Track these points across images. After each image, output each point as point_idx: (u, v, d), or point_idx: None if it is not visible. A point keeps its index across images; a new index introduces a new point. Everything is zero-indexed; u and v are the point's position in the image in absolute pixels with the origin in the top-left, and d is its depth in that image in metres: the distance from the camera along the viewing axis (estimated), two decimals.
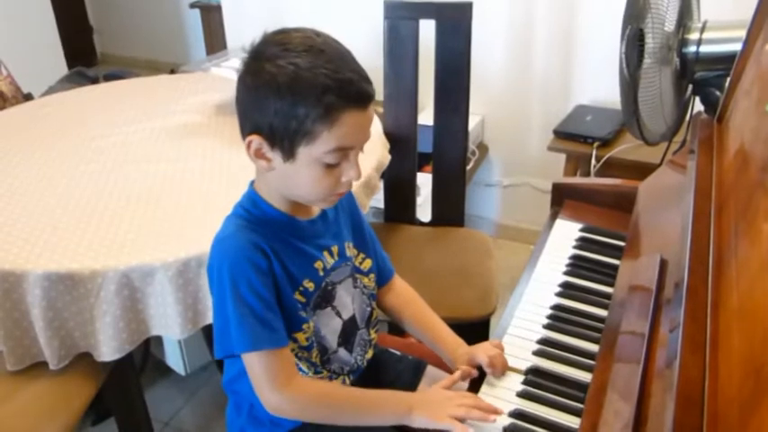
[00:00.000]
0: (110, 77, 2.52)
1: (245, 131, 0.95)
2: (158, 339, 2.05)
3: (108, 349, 1.37)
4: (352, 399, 1.03)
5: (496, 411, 0.96)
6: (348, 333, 1.10)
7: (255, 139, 0.93)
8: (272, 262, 0.97)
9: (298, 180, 0.95)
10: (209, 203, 1.53)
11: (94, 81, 2.58)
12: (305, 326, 1.02)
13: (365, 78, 0.92)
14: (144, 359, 2.10)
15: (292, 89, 0.88)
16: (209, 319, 1.40)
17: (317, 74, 0.88)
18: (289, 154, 0.93)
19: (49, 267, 1.31)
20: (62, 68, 3.34)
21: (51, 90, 2.46)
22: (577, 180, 1.66)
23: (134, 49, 4.69)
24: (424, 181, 2.11)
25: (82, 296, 1.33)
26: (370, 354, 1.17)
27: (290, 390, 0.98)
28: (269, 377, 0.97)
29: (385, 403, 1.02)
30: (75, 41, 4.20)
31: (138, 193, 1.58)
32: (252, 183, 1.03)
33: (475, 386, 1.06)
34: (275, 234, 0.99)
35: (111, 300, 1.33)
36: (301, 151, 0.92)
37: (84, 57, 4.33)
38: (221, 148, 1.78)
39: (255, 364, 0.98)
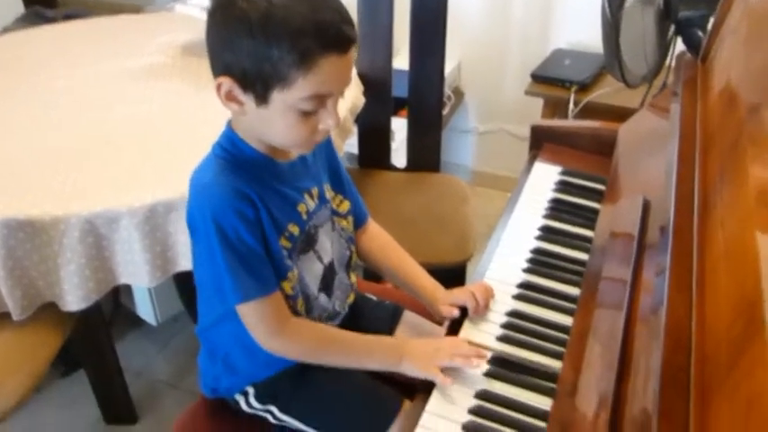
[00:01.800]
0: (69, 17, 2.40)
1: (216, 72, 0.89)
2: (129, 289, 2.01)
3: (73, 298, 1.33)
4: (346, 342, 1.03)
5: (480, 355, 0.95)
6: (328, 278, 1.07)
7: (226, 82, 0.87)
8: (259, 210, 0.93)
9: (272, 126, 0.90)
10: (177, 147, 1.47)
11: (52, 21, 2.45)
12: (290, 274, 0.99)
13: (346, 20, 0.85)
14: (114, 310, 2.06)
15: (265, 29, 0.82)
16: (179, 266, 1.36)
17: (292, 13, 0.81)
18: (262, 99, 0.87)
19: (7, 214, 1.25)
20: (18, 9, 3.17)
21: (5, 31, 2.34)
22: (556, 122, 1.63)
23: None
24: (399, 126, 2.07)
25: (44, 244, 1.28)
26: (351, 298, 1.14)
27: (286, 332, 0.97)
28: (264, 324, 0.96)
29: (377, 349, 1.01)
30: None
31: (102, 136, 1.51)
32: (229, 122, 0.97)
33: (454, 331, 1.04)
34: (257, 177, 0.95)
35: (75, 247, 1.28)
36: (275, 97, 0.86)
37: None
38: (188, 90, 1.71)
39: (250, 313, 0.96)
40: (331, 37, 0.83)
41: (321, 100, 0.88)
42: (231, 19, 0.84)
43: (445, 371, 0.94)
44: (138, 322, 2.08)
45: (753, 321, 0.62)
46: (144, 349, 2.02)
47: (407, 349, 0.99)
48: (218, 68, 0.88)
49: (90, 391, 1.73)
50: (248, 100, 0.88)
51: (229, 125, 0.97)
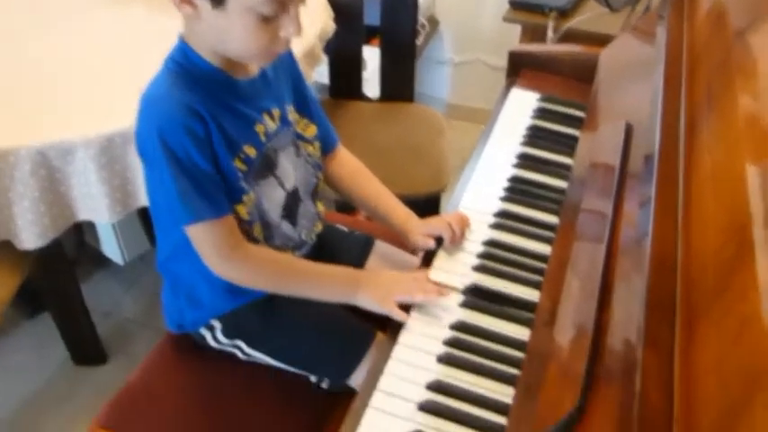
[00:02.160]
0: None
1: None
2: (93, 228, 1.94)
3: (29, 236, 1.27)
4: (301, 269, 0.99)
5: (441, 293, 0.92)
6: (292, 205, 1.03)
7: None
8: (209, 126, 0.87)
9: (229, 32, 0.83)
10: (133, 73, 1.36)
11: None
12: (245, 197, 0.94)
13: None
14: (78, 249, 2.00)
15: None
16: (140, 201, 1.30)
17: None
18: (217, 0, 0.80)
19: None
20: None
21: None
22: (535, 47, 1.57)
23: None
24: (372, 55, 2.02)
25: None
26: (318, 227, 1.10)
27: (238, 257, 0.93)
28: (215, 248, 0.92)
29: (334, 278, 0.98)
30: None
31: (54, 64, 1.43)
32: (182, 34, 0.90)
33: (428, 262, 1.00)
34: (211, 93, 0.88)
35: (27, 181, 1.21)
36: None
37: None
38: (142, 14, 1.63)
39: (200, 235, 0.91)
40: None
41: (282, 4, 0.82)
42: None
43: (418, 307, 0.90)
44: (104, 261, 2.03)
45: (743, 244, 0.59)
46: (111, 289, 1.98)
47: (364, 281, 0.96)
48: None
49: (57, 333, 1.68)
50: (203, 2, 0.81)
51: (182, 38, 0.89)
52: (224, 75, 0.90)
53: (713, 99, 0.86)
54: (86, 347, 1.73)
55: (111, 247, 1.99)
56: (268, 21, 0.82)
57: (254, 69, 0.95)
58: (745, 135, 0.73)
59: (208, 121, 0.86)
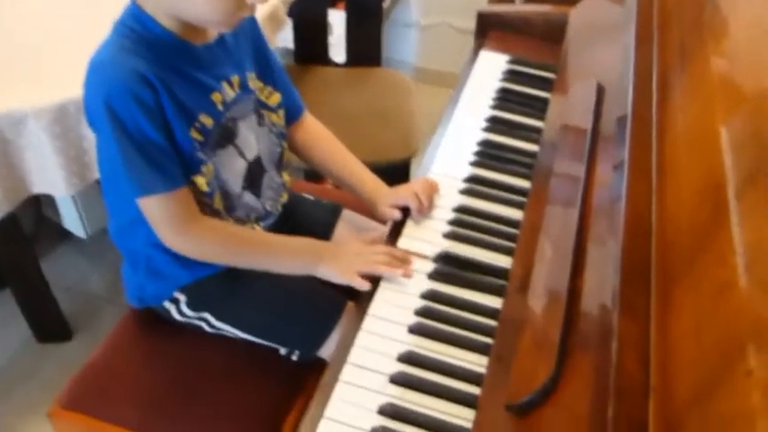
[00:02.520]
0: None
1: None
2: (52, 201, 1.88)
3: None
4: (259, 242, 0.97)
5: (406, 268, 0.89)
6: (254, 175, 0.99)
7: None
8: (160, 94, 0.83)
9: None
10: (87, 39, 1.30)
11: None
12: (204, 168, 0.90)
13: None
14: (37, 223, 1.94)
15: None
16: (98, 171, 1.25)
17: None
18: None
19: None
20: None
21: None
22: (504, 7, 1.53)
23: None
24: (337, 19, 1.97)
25: None
26: (284, 198, 1.07)
27: (193, 231, 0.90)
28: (168, 221, 0.89)
29: (294, 251, 0.95)
30: None
31: None
32: None
33: (398, 232, 0.97)
34: (164, 59, 0.84)
35: None
36: None
37: None
38: None
39: (152, 208, 0.88)
40: None
41: None
42: None
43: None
44: (66, 235, 1.97)
45: (719, 205, 0.58)
46: (75, 263, 1.92)
47: (326, 252, 0.94)
48: None
49: (19, 310, 1.64)
50: None
51: (134, 0, 0.84)
52: (179, 40, 0.85)
53: (685, 58, 0.84)
54: (49, 324, 1.68)
55: (72, 221, 1.92)
56: None
57: (212, 34, 0.90)
58: (717, 94, 0.71)
59: (159, 89, 0.82)
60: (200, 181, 0.90)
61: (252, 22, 0.97)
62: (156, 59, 0.83)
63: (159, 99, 0.82)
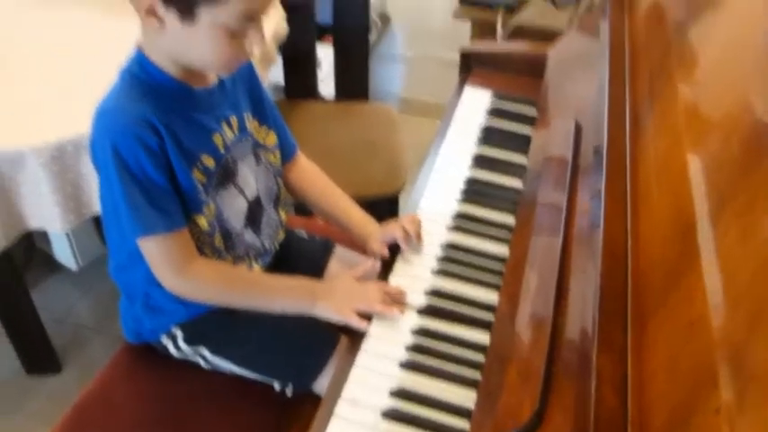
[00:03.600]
0: None
1: None
2: (45, 233, 1.90)
3: None
4: (255, 283, 1.00)
5: (400, 305, 0.92)
6: (254, 214, 1.03)
7: None
8: (164, 139, 0.87)
9: (196, 45, 0.84)
10: (85, 79, 1.35)
11: None
12: (205, 208, 0.94)
13: None
14: (28, 254, 1.95)
15: None
16: (94, 208, 1.29)
17: None
18: (187, 15, 0.81)
19: None
20: None
21: None
22: (486, 46, 1.59)
23: None
24: (326, 54, 2.04)
25: None
26: (281, 236, 1.10)
27: (191, 272, 0.93)
28: (167, 262, 0.92)
29: (289, 290, 0.98)
30: None
31: (2, 69, 1.40)
32: (139, 45, 0.89)
33: (388, 268, 1.01)
34: (167, 104, 0.88)
35: None
36: (203, 13, 0.81)
37: None
38: (94, 18, 1.60)
39: (152, 249, 0.91)
40: None
41: (250, 18, 0.83)
42: None
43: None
44: (57, 267, 1.98)
45: (688, 243, 0.62)
46: (65, 295, 1.94)
47: (321, 292, 0.97)
48: None
49: (7, 340, 1.64)
50: (170, 16, 0.81)
51: (139, 48, 0.89)
52: (181, 85, 0.90)
53: (655, 92, 0.88)
54: (39, 356, 1.69)
55: (63, 253, 1.95)
56: (235, 34, 0.83)
57: (211, 78, 0.95)
58: (684, 127, 0.75)
59: (163, 133, 0.86)
60: (202, 221, 0.94)
61: (248, 64, 1.02)
62: (160, 104, 0.87)
63: (163, 143, 0.86)
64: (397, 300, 0.93)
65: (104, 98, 0.88)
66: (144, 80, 0.88)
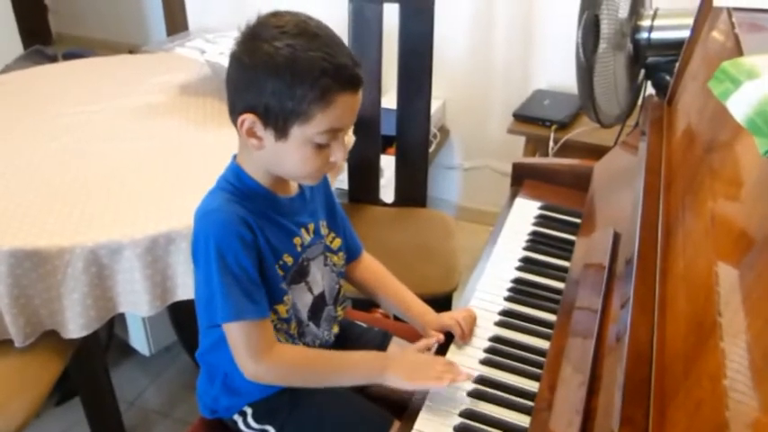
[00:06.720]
0: (69, 56, 2.49)
1: (238, 110, 0.97)
2: (121, 319, 2.05)
3: (75, 327, 1.38)
4: (328, 361, 1.08)
5: (469, 375, 1.02)
6: (317, 308, 1.14)
7: (249, 118, 0.95)
8: (257, 236, 1.00)
9: (287, 158, 0.98)
10: (176, 181, 1.54)
11: (53, 60, 2.54)
12: (285, 298, 1.06)
13: (357, 63, 0.97)
14: (108, 338, 2.09)
15: (291, 70, 0.91)
16: (177, 296, 1.41)
17: (314, 57, 0.91)
18: (282, 133, 0.95)
19: (14, 244, 1.31)
20: (17, 48, 3.25)
21: (8, 69, 2.42)
22: (536, 160, 1.72)
23: (90, 29, 4.58)
24: (388, 163, 2.14)
25: (49, 273, 1.33)
26: (336, 329, 1.21)
27: (270, 358, 1.01)
28: (250, 347, 1.00)
29: (360, 363, 1.07)
30: (30, 21, 4.08)
31: (104, 171, 1.58)
32: (234, 156, 1.05)
33: (441, 354, 1.10)
34: (258, 208, 1.02)
35: (79, 277, 1.33)
36: (294, 131, 0.94)
37: (40, 36, 4.19)
38: (186, 128, 1.77)
39: (237, 333, 1.00)
40: (347, 77, 0.94)
41: (334, 133, 0.97)
42: (257, 62, 0.93)
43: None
44: (130, 352, 2.11)
45: (702, 332, 0.70)
46: (136, 379, 2.06)
47: (390, 360, 1.06)
48: (240, 106, 0.96)
49: (83, 421, 1.74)
50: (268, 135, 0.96)
51: (235, 160, 1.05)
52: (270, 193, 1.04)
53: (687, 207, 0.97)
54: None
55: (138, 339, 2.08)
56: (321, 148, 0.97)
57: (294, 188, 1.09)
58: (710, 239, 0.83)
59: (255, 230, 1.00)
60: (282, 309, 1.06)
61: (324, 177, 1.15)
62: (252, 208, 1.01)
63: (256, 239, 1.00)
64: (458, 371, 1.01)
65: (205, 201, 1.03)
66: (239, 188, 1.02)
